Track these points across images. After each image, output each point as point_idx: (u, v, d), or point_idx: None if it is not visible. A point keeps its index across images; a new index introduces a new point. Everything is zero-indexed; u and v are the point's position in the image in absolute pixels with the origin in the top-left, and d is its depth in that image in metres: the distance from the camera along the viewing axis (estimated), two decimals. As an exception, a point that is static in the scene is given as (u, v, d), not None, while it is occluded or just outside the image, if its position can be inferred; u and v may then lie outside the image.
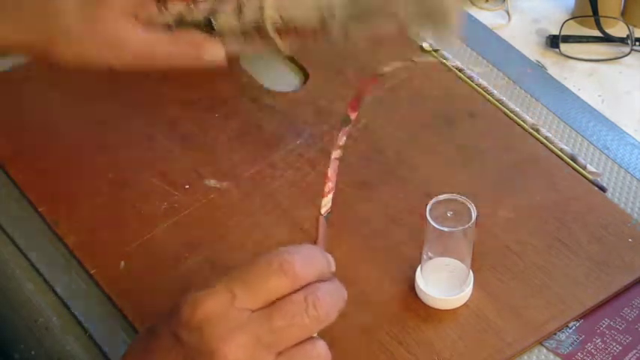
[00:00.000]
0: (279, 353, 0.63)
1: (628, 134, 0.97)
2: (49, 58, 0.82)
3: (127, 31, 0.82)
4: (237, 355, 0.62)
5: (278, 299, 0.63)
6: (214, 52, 0.84)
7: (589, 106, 1.00)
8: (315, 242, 0.72)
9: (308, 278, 0.64)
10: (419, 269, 0.83)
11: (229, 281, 0.63)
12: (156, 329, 0.65)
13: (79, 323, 0.84)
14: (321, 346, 0.64)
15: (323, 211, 0.73)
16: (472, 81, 1.00)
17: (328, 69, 1.00)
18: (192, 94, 0.99)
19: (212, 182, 0.92)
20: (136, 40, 0.82)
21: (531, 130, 0.96)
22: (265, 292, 0.63)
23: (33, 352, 0.86)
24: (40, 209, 0.90)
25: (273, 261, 0.63)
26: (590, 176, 0.92)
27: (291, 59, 1.02)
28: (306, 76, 1.01)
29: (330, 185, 0.73)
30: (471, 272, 0.83)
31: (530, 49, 1.12)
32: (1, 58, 0.97)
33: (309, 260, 0.64)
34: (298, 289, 0.63)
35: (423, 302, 0.83)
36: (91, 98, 0.91)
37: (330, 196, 0.73)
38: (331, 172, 0.73)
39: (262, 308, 0.63)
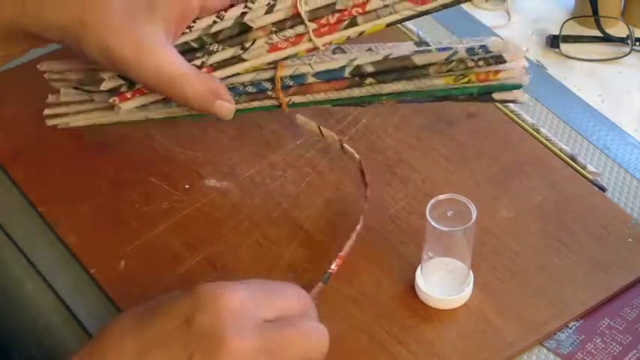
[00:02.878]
0: None
1: (628, 134, 0.97)
2: (78, 45, 0.79)
3: (161, 44, 0.79)
4: (245, 352, 0.63)
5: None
6: (226, 108, 0.82)
7: (589, 106, 1.00)
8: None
9: (314, 314, 0.69)
10: (419, 269, 0.83)
11: (253, 288, 0.65)
12: (160, 309, 0.65)
13: (79, 323, 0.84)
14: None
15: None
16: (472, 81, 1.00)
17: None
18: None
19: (212, 182, 0.92)
20: (164, 58, 0.79)
21: (531, 130, 0.96)
22: (281, 309, 0.66)
23: (33, 352, 0.86)
24: (40, 209, 0.90)
25: (291, 286, 0.68)
26: (590, 176, 0.92)
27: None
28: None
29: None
30: (471, 272, 0.83)
31: (530, 49, 1.12)
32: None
33: (314, 303, 0.70)
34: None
35: (423, 302, 0.83)
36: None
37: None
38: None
39: (273, 321, 0.65)
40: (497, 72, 0.83)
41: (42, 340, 0.85)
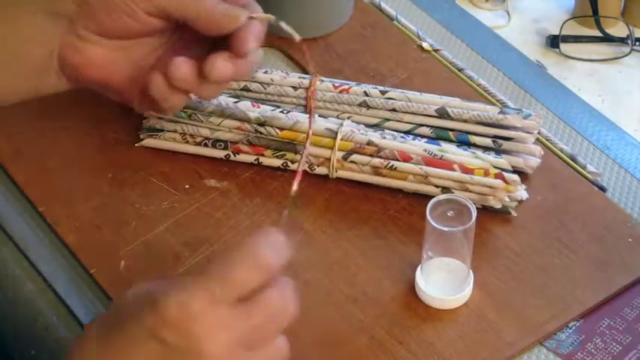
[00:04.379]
0: (255, 348, 0.64)
1: (628, 134, 0.97)
2: None
3: None
4: (222, 353, 0.62)
5: (253, 292, 0.64)
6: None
7: (589, 106, 1.00)
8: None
9: (277, 270, 0.65)
10: (419, 269, 0.83)
11: (208, 281, 0.63)
12: (123, 326, 0.63)
13: (79, 323, 0.84)
14: (283, 340, 0.66)
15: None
16: (472, 81, 1.00)
17: (327, 69, 1.00)
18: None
19: (212, 182, 0.92)
20: None
21: (531, 130, 0.96)
22: (241, 287, 0.64)
23: (33, 352, 0.86)
24: (40, 209, 0.90)
25: (247, 257, 0.64)
26: (590, 176, 0.92)
27: (291, 59, 1.02)
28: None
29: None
30: (471, 272, 0.83)
31: (530, 49, 1.12)
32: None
33: (279, 252, 0.65)
34: (270, 282, 0.65)
35: (423, 302, 0.83)
36: (92, 97, 0.90)
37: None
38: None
39: (239, 303, 0.63)
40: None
41: (42, 340, 0.85)
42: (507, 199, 0.88)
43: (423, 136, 0.91)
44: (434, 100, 0.92)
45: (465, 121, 0.91)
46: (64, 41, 0.81)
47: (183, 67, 0.80)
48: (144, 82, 0.82)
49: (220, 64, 0.79)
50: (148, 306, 0.63)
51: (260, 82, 0.95)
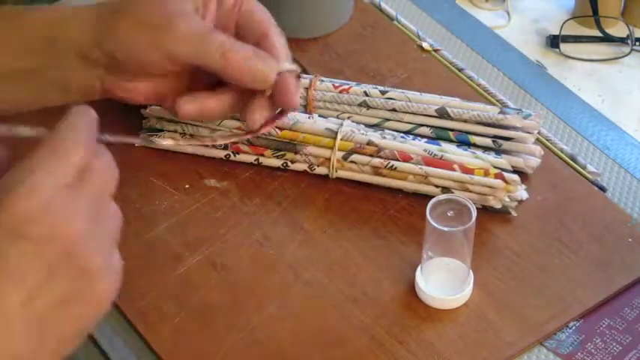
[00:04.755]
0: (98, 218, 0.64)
1: (628, 134, 0.97)
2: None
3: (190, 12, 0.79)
4: (83, 229, 0.62)
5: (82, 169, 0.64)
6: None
7: (589, 106, 1.00)
8: None
9: (95, 148, 0.66)
10: (419, 269, 0.83)
11: (46, 165, 0.63)
12: None
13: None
14: (115, 205, 0.66)
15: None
16: (472, 81, 1.00)
17: (327, 69, 1.00)
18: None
19: (212, 182, 0.92)
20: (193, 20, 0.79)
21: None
22: (75, 167, 0.64)
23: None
24: (40, 209, 0.90)
25: (77, 138, 0.64)
26: (590, 176, 0.92)
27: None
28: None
29: None
30: (471, 272, 0.83)
31: (530, 49, 1.12)
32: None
33: (93, 127, 0.66)
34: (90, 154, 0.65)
35: (423, 302, 0.83)
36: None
37: None
38: None
39: (76, 181, 0.64)
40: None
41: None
42: (507, 199, 0.88)
43: (423, 136, 0.91)
44: (434, 100, 0.92)
45: (465, 121, 0.91)
46: (104, 81, 0.81)
47: (185, 107, 0.80)
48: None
49: (259, 118, 0.79)
50: None
51: None
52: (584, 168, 0.93)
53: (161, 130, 0.93)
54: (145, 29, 0.79)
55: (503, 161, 0.88)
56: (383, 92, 0.93)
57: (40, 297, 0.61)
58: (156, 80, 0.81)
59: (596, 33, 1.13)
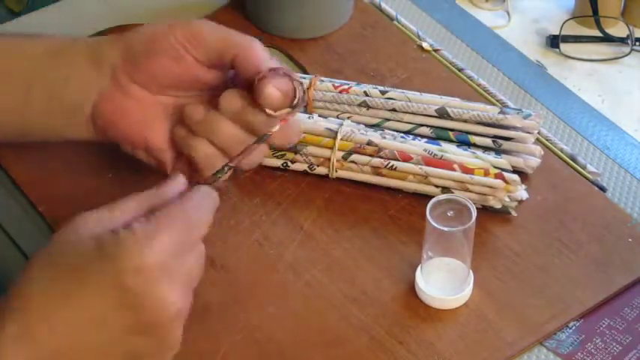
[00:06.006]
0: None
1: (628, 134, 0.97)
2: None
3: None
4: (177, 298, 0.67)
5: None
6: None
7: (589, 106, 1.00)
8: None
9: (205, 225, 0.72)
10: (419, 269, 0.83)
11: (160, 232, 0.67)
12: (85, 268, 0.65)
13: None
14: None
15: None
16: (472, 81, 1.00)
17: (327, 68, 1.00)
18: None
19: (212, 182, 0.92)
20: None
21: (531, 130, 0.96)
22: (188, 247, 0.70)
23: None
24: (40, 209, 0.90)
25: (186, 219, 0.70)
26: (590, 176, 0.92)
27: (291, 58, 1.02)
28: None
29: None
30: (471, 272, 0.83)
31: (530, 49, 1.12)
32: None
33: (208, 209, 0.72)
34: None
35: (423, 302, 0.83)
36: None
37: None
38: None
39: (178, 252, 0.69)
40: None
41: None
42: (507, 199, 0.88)
43: (423, 136, 0.91)
44: (434, 100, 0.92)
45: (465, 121, 0.91)
46: (103, 91, 0.81)
47: (233, 99, 0.79)
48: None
49: (272, 90, 0.77)
50: (105, 256, 0.65)
51: None
52: (584, 168, 0.93)
53: None
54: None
55: (503, 161, 0.88)
56: (383, 92, 0.93)
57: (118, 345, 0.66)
58: (154, 104, 0.81)
59: (596, 33, 1.13)
